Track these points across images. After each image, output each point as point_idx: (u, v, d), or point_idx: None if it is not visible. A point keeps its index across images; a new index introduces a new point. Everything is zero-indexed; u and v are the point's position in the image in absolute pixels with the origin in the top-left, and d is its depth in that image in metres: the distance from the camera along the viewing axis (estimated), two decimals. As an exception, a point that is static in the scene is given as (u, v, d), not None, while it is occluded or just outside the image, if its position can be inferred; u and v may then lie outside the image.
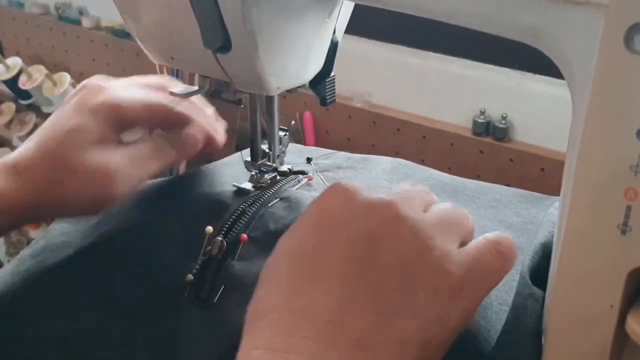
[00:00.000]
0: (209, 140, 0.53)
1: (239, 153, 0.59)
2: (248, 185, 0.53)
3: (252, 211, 0.49)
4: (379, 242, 0.34)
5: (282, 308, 0.32)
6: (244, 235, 0.47)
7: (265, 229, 0.48)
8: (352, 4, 0.53)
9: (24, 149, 0.46)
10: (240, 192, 0.52)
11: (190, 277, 0.46)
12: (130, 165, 0.47)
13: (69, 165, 0.44)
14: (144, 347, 0.44)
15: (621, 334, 0.33)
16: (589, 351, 0.34)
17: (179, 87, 0.52)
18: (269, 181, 0.54)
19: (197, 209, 0.51)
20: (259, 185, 0.53)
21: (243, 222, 0.49)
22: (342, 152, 0.63)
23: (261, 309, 0.33)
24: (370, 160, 0.60)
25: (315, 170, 0.58)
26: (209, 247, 0.47)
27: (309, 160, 0.60)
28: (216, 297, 0.44)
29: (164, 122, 0.51)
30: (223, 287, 0.45)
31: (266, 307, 0.33)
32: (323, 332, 0.31)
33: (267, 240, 0.47)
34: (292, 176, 0.56)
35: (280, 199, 0.51)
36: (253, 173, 0.55)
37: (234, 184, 0.53)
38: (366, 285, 0.32)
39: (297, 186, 0.55)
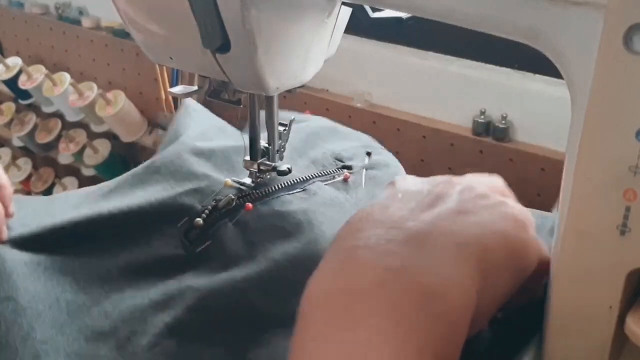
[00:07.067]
0: None
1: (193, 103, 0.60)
2: (248, 180, 0.53)
3: (273, 189, 0.53)
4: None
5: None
6: (250, 205, 0.50)
7: (272, 207, 0.51)
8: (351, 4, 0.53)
9: None
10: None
11: (199, 221, 0.49)
12: None
13: None
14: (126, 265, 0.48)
15: (620, 335, 0.33)
16: (588, 352, 0.34)
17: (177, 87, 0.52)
18: (268, 177, 0.54)
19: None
20: (258, 180, 0.53)
21: (260, 193, 0.51)
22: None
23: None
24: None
25: (362, 168, 0.58)
26: (220, 198, 0.50)
27: (369, 154, 0.59)
28: (199, 249, 0.48)
29: None
30: (210, 242, 0.49)
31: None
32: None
33: (267, 217, 0.50)
34: (333, 169, 0.57)
35: (304, 190, 0.53)
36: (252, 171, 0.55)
37: (234, 178, 0.53)
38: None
39: (327, 182, 0.55)
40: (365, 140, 0.64)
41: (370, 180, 0.57)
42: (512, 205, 0.39)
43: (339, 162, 0.58)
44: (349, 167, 0.57)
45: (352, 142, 0.62)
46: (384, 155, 0.61)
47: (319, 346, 0.32)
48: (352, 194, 0.55)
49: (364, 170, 0.57)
